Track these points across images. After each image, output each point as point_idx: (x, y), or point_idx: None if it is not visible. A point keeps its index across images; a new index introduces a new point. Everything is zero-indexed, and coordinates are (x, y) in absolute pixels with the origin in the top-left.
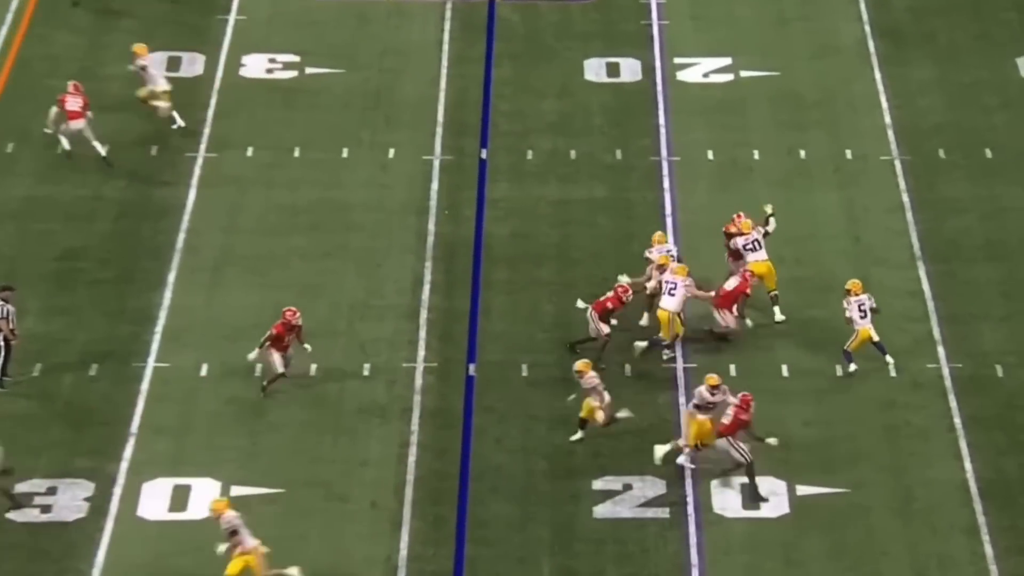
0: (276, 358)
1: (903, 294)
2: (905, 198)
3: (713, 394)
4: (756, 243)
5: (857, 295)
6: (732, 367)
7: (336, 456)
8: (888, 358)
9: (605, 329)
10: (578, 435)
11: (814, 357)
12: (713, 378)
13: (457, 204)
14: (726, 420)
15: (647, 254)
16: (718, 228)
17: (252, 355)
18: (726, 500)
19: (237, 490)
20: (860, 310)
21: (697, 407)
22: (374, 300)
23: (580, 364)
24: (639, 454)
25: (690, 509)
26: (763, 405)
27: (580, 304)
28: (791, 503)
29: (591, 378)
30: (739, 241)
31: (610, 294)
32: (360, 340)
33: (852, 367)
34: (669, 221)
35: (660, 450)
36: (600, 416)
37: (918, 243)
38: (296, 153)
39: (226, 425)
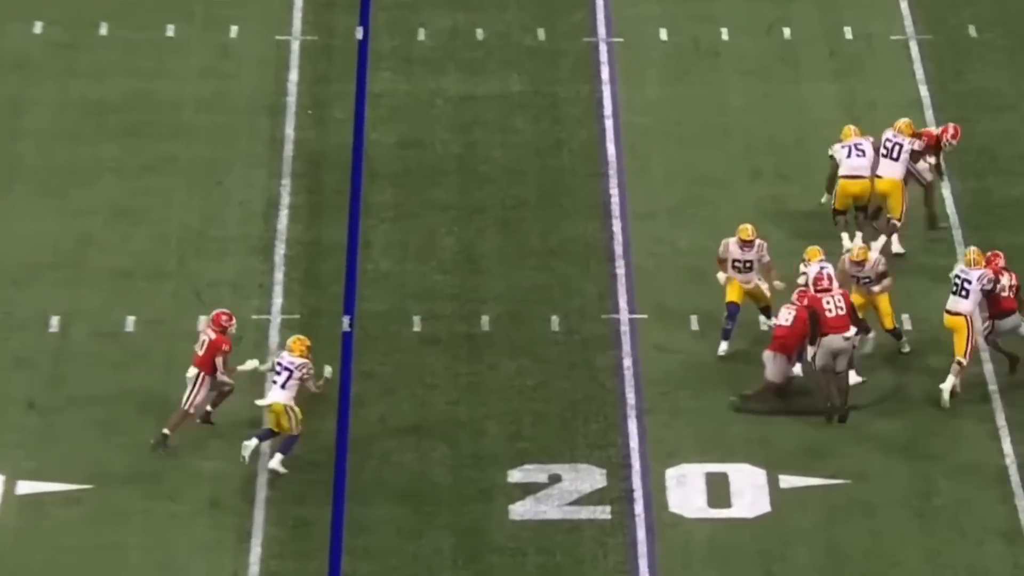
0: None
1: (922, 226)
2: (923, 91)
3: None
4: (898, 149)
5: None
6: (694, 319)
7: None
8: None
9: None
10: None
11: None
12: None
13: (324, 101)
14: None
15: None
16: (673, 132)
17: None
18: (686, 495)
19: (26, 486)
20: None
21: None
22: (212, 230)
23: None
24: (570, 434)
25: (638, 507)
26: (737, 365)
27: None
28: (772, 499)
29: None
30: (874, 142)
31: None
32: (194, 284)
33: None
34: (609, 123)
35: (947, 387)
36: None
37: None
38: (103, 30)
39: (10, 398)
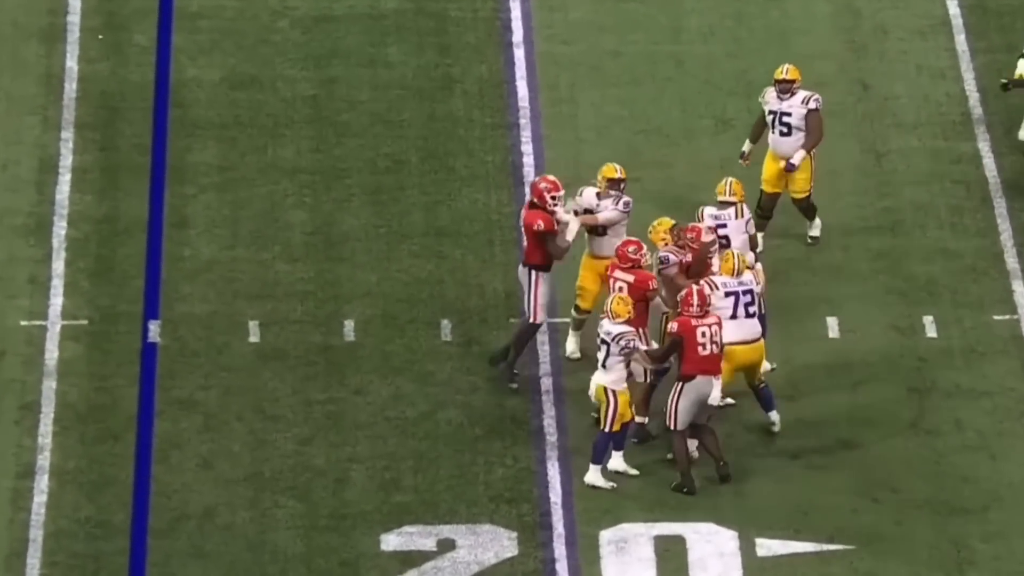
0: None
1: (952, 195)
2: (952, 8)
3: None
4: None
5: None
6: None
7: None
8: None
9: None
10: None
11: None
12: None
13: (121, 22)
14: None
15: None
16: (608, 66)
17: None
18: (628, 567)
19: None
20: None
21: None
22: None
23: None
24: (468, 484)
25: None
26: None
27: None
28: (747, 571)
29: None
30: None
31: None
32: None
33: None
34: (519, 54)
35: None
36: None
37: (978, 92)
38: None
39: None
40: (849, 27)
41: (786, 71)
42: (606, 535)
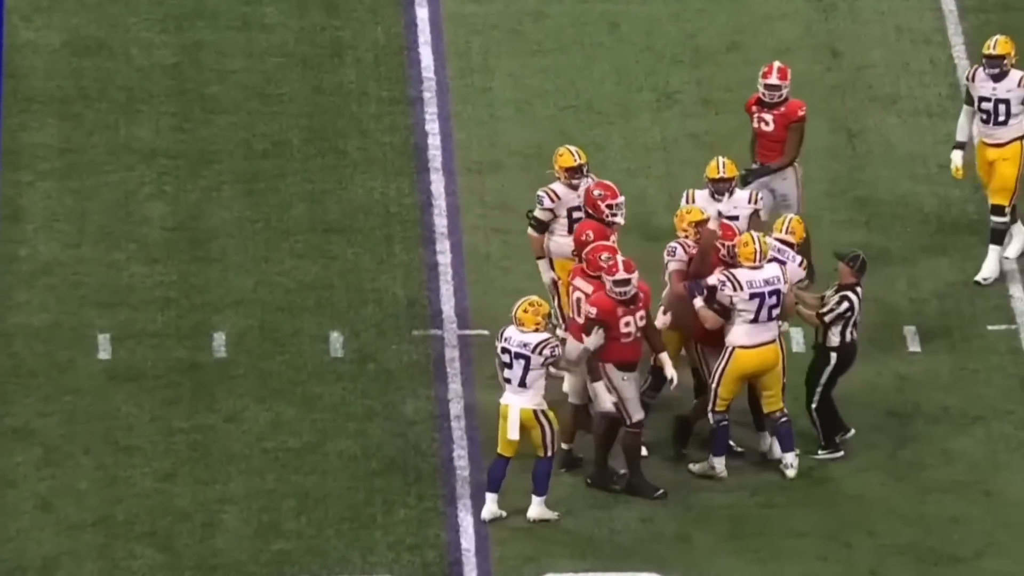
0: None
1: (938, 183)
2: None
3: None
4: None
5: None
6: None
7: None
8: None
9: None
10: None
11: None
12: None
13: None
14: None
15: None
16: (529, 30)
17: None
18: None
19: None
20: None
21: None
22: None
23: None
24: (362, 528)
25: None
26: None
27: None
28: None
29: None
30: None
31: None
32: None
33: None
34: (423, 14)
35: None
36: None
37: (967, 60)
38: None
39: None
40: (823, 15)
41: (723, 167)
42: None
